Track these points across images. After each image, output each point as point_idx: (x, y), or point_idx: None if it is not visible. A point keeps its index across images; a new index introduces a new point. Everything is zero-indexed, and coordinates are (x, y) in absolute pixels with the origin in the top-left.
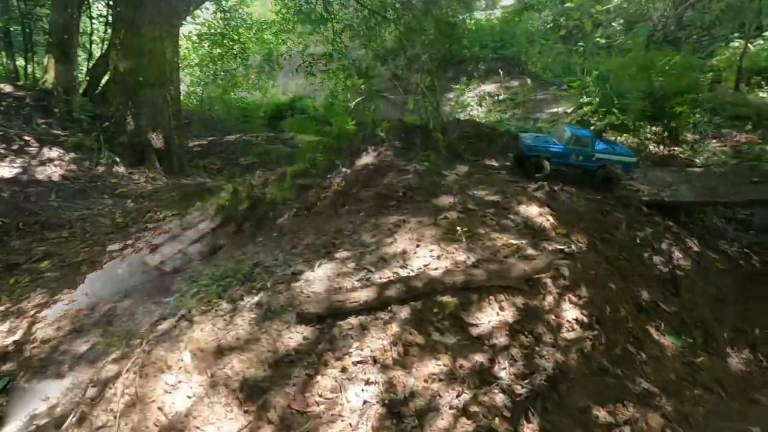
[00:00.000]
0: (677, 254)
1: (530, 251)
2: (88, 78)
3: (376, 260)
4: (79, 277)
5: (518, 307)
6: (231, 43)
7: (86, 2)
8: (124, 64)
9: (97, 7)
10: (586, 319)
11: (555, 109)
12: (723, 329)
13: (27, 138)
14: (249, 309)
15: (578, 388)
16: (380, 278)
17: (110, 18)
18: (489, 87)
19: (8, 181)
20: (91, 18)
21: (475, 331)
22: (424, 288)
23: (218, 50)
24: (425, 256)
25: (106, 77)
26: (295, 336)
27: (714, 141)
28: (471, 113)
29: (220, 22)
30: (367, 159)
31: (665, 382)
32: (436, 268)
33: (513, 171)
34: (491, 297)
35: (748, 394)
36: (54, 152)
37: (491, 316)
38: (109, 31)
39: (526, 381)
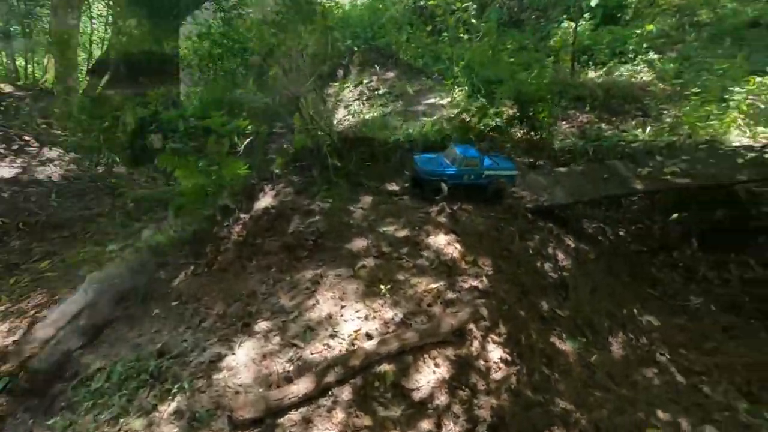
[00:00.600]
0: (561, 256)
1: (450, 294)
2: (88, 78)
3: (303, 330)
4: (78, 277)
5: (451, 360)
6: (231, 43)
7: (86, 2)
8: (123, 63)
9: (97, 7)
10: (508, 356)
11: (432, 100)
12: (602, 319)
13: (27, 138)
14: (168, 421)
15: (514, 428)
16: (311, 354)
17: (110, 18)
18: (367, 80)
19: (8, 181)
20: (91, 18)
21: (417, 396)
22: (362, 364)
23: (218, 50)
24: (353, 318)
25: (106, 77)
26: None
27: (563, 123)
28: (353, 110)
29: (220, 22)
30: (265, 201)
31: (575, 394)
32: (368, 334)
33: (412, 194)
34: (425, 355)
35: (630, 378)
36: (54, 152)
37: (429, 376)
38: (109, 31)
39: None
